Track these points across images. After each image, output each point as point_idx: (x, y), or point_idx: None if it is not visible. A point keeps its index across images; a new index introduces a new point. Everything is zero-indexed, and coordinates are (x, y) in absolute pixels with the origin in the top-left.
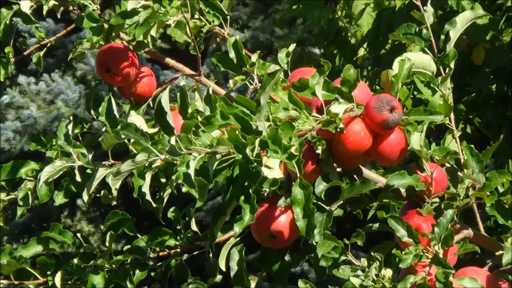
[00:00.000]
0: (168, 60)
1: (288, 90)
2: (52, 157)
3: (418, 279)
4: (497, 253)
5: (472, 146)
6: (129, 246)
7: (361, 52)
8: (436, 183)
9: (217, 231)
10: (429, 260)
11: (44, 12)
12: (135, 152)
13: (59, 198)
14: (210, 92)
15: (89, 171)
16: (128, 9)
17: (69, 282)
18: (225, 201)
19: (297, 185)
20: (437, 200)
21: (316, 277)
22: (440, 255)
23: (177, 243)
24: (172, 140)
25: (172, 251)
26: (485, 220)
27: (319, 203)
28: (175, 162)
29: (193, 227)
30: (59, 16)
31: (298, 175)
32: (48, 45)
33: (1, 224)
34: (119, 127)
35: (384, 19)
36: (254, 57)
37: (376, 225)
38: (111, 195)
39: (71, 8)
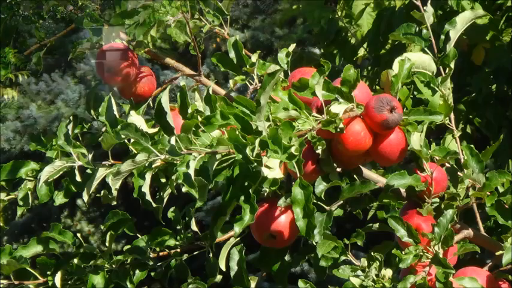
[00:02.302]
0: (168, 60)
1: (288, 90)
2: (52, 157)
3: (418, 279)
4: (497, 253)
5: (472, 146)
6: (129, 246)
7: (361, 52)
8: (436, 183)
9: (217, 231)
10: (429, 260)
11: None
12: (135, 152)
13: (59, 198)
14: (210, 92)
15: (89, 171)
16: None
17: (69, 282)
18: (225, 201)
19: (297, 185)
20: (437, 200)
21: (316, 277)
22: (440, 255)
23: (177, 243)
24: (172, 140)
25: (172, 251)
26: (485, 220)
27: (319, 203)
28: (175, 162)
29: (193, 227)
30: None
31: (298, 175)
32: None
33: (1, 224)
34: (119, 127)
35: (383, 19)
36: (254, 57)
37: (376, 225)
38: (111, 195)
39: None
